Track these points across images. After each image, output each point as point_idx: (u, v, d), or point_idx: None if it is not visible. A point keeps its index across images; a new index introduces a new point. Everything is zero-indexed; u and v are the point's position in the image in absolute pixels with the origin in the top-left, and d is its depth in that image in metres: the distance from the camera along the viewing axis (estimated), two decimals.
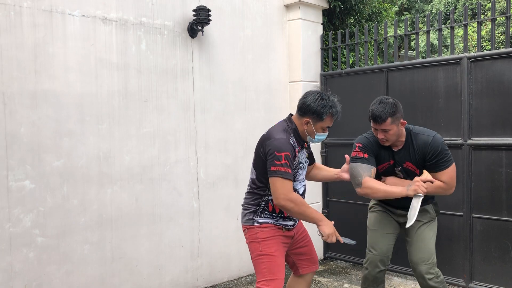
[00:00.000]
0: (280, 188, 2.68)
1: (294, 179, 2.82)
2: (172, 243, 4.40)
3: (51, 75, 3.64)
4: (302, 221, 3.03)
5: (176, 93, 4.39)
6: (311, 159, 3.16)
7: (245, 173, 4.98)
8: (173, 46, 4.38)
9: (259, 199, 2.90)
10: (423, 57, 5.55)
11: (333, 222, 2.84)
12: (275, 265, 2.82)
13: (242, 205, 3.02)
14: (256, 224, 2.88)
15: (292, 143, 2.78)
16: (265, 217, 2.88)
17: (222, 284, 4.79)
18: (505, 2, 4.75)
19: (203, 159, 4.62)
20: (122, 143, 4.04)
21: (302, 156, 2.91)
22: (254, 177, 2.90)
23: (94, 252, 3.89)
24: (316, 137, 2.84)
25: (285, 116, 5.42)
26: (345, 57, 5.62)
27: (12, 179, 3.47)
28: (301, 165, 2.91)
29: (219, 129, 4.75)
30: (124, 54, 4.04)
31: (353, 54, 5.76)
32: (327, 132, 2.88)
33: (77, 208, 3.79)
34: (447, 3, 16.93)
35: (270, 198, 2.84)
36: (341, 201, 5.39)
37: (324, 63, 5.59)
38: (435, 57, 4.61)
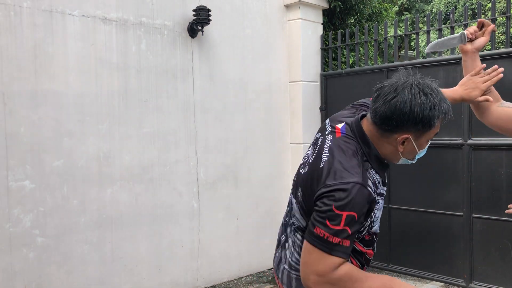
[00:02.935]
0: (314, 263, 1.53)
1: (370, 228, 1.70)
2: (172, 243, 4.40)
3: (51, 75, 3.64)
4: None
5: (176, 93, 4.39)
6: None
7: (245, 173, 4.99)
8: (173, 46, 4.37)
9: None
10: (423, 57, 5.54)
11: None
12: None
13: (289, 268, 1.76)
14: None
15: (371, 185, 1.59)
16: None
17: (222, 284, 4.78)
18: (505, 2, 4.74)
19: (203, 159, 4.62)
20: (122, 143, 4.04)
21: (383, 190, 1.74)
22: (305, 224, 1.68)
23: (94, 252, 3.89)
24: (417, 156, 1.68)
25: (284, 116, 5.48)
26: (345, 57, 5.62)
27: (12, 179, 3.47)
28: (378, 205, 1.71)
29: (219, 129, 4.75)
30: (124, 54, 4.04)
31: (353, 54, 5.76)
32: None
33: (77, 208, 3.79)
34: (447, 3, 16.93)
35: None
36: None
37: (324, 63, 5.59)
38: (435, 57, 4.61)
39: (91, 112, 3.85)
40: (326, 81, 5.48)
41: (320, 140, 1.73)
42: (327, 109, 5.44)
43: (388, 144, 1.63)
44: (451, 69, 4.42)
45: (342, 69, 5.40)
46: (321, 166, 1.61)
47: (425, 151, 1.69)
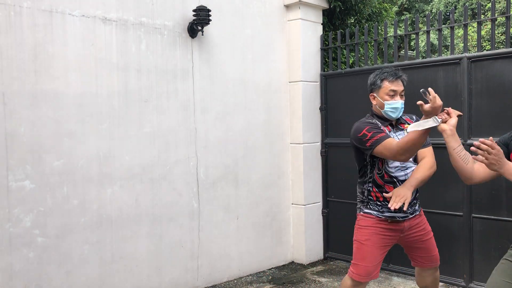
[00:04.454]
0: (386, 152, 2.86)
1: (387, 164, 3.02)
2: (172, 243, 4.40)
3: (51, 75, 3.65)
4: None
5: (176, 93, 4.39)
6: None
7: (245, 173, 4.99)
8: (173, 46, 4.38)
9: (362, 188, 3.16)
10: (423, 57, 5.54)
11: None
12: (363, 252, 3.08)
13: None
14: (361, 213, 3.18)
15: (373, 121, 3.04)
16: (370, 208, 3.12)
17: (222, 284, 4.79)
18: (505, 2, 4.75)
19: (203, 159, 4.62)
20: (122, 143, 4.04)
21: (396, 138, 3.00)
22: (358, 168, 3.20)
23: (94, 252, 3.89)
24: (386, 106, 2.99)
25: (284, 116, 5.48)
26: (345, 57, 5.62)
27: (12, 179, 3.47)
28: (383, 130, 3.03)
29: (219, 129, 4.75)
30: (124, 54, 4.04)
31: (353, 54, 5.76)
32: (399, 99, 3.00)
33: (77, 208, 3.79)
34: (447, 3, 16.93)
35: (370, 186, 3.09)
36: (341, 201, 5.39)
37: (324, 63, 5.59)
38: (435, 57, 4.61)
39: (91, 112, 3.86)
40: (326, 81, 5.48)
41: None
42: (327, 109, 5.44)
43: (373, 105, 3.11)
44: (451, 69, 4.42)
45: (342, 69, 5.41)
46: None
47: (394, 104, 2.98)
